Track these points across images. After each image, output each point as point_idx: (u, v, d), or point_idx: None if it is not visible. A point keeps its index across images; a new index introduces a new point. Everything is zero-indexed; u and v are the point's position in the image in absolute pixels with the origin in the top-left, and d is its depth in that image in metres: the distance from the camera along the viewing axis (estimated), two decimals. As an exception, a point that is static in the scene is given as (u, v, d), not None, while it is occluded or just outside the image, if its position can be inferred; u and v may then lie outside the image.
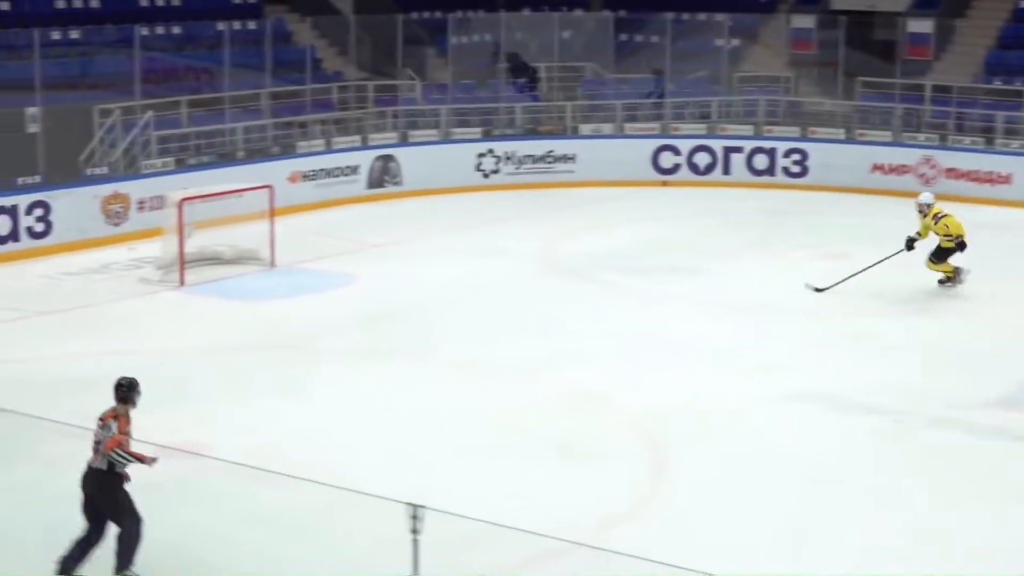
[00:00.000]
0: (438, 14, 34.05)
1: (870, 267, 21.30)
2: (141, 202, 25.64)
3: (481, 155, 30.93)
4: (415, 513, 8.73)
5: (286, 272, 22.89)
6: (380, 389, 16.72)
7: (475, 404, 16.07)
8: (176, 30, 31.01)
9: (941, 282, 21.52)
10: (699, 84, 33.73)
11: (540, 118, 32.42)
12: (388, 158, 30.16)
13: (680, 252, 24.03)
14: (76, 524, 11.64)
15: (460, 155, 30.81)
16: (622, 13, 34.96)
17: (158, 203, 25.00)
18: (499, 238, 25.55)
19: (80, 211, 24.78)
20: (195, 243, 22.66)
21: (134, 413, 11.65)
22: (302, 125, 30.21)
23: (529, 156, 31.18)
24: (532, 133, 31.84)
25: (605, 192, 30.08)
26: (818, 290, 21.09)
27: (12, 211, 23.79)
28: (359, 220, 27.57)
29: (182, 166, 27.18)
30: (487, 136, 31.47)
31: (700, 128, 32.02)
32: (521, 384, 16.92)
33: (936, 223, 21.36)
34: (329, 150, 29.68)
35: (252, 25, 32.04)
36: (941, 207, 21.60)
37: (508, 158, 31.05)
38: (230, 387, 16.66)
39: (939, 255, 21.41)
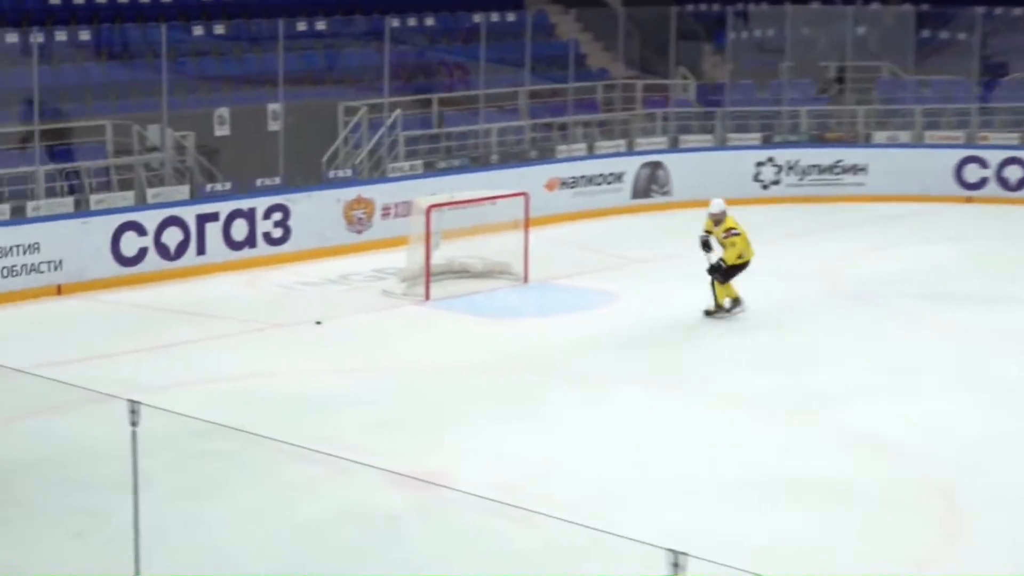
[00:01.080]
0: (716, 7, 34.03)
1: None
2: (386, 208, 26.24)
3: (760, 164, 30.78)
4: (676, 560, 8.71)
5: (540, 288, 23.13)
6: (638, 420, 16.75)
7: (743, 440, 15.98)
8: (429, 22, 31.67)
9: (709, 312, 20.97)
10: (1013, 88, 32.91)
11: (828, 124, 32.08)
12: (656, 165, 30.23)
13: (984, 278, 23.50)
14: (320, 553, 11.99)
15: (736, 163, 30.71)
16: (925, 7, 34.39)
17: (404, 210, 25.56)
18: (778, 257, 25.31)
19: (321, 216, 25.48)
20: (442, 254, 23.06)
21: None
22: (562, 127, 30.48)
23: (814, 166, 30.89)
24: (818, 140, 31.53)
25: (900, 208, 29.61)
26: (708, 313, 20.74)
27: (250, 215, 24.58)
28: (622, 233, 27.69)
29: (431, 170, 27.70)
30: (767, 143, 31.27)
31: (1012, 138, 31.26)
32: (795, 420, 16.77)
33: (726, 238, 20.93)
34: (591, 155, 29.88)
35: (511, 17, 32.51)
36: (736, 221, 21.13)
37: (790, 168, 30.82)
38: (476, 412, 16.90)
39: (727, 274, 20.92)
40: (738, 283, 21.23)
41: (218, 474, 14.32)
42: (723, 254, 21.05)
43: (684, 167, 30.37)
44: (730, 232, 21.06)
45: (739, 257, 21.01)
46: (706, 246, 21.22)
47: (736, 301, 21.18)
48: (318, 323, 20.57)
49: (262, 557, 12.45)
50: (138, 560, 11.03)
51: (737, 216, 28.89)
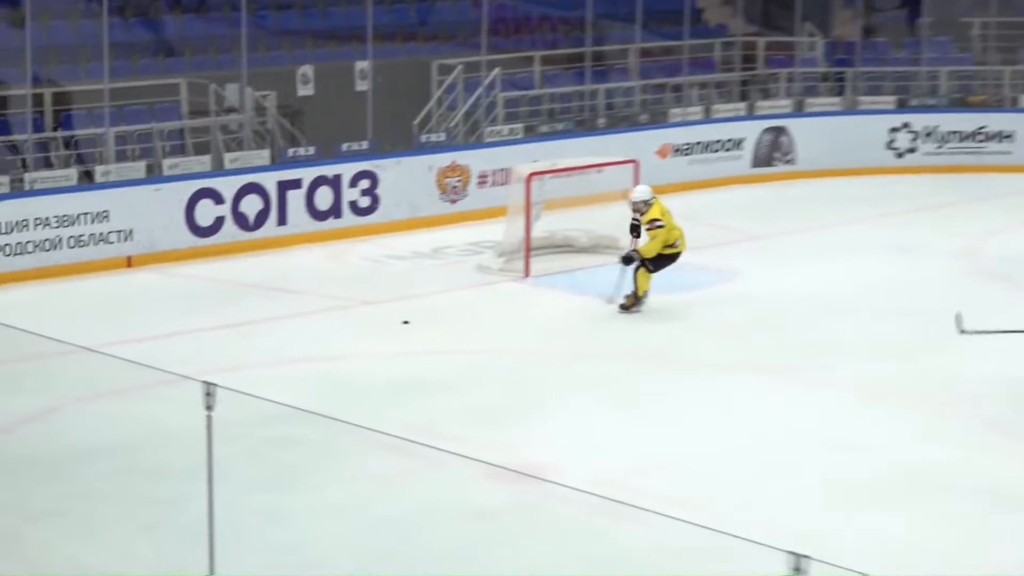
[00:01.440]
0: (847, -44, 33.71)
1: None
2: (483, 176, 26.28)
3: (894, 130, 30.54)
4: (798, 564, 8.68)
5: (650, 265, 23.06)
6: (755, 412, 16.65)
7: (874, 436, 15.84)
8: (531, -27, 31.63)
9: (625, 307, 20.34)
10: None
11: (971, 86, 31.75)
12: (779, 131, 30.07)
13: None
14: (408, 552, 12.04)
15: (868, 129, 30.50)
16: (1082, -45, 33.97)
17: (502, 178, 25.60)
18: (914, 232, 25.18)
19: (412, 184, 25.55)
20: (544, 226, 23.05)
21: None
22: (676, 88, 30.37)
23: (955, 133, 30.61)
24: (960, 104, 31.22)
25: (1050, 180, 29.34)
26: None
27: (335, 182, 24.68)
28: (741, 204, 27.58)
29: (532, 134, 27.69)
30: (903, 107, 31.02)
31: None
32: (936, 415, 16.60)
33: (649, 229, 20.34)
34: (708, 119, 29.79)
35: (621, -32, 32.41)
36: (665, 211, 20.52)
37: (928, 134, 30.56)
38: (577, 399, 16.88)
39: (657, 263, 20.40)
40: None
41: (299, 464, 14.40)
42: (642, 244, 20.45)
43: (810, 133, 30.19)
44: (653, 224, 20.55)
45: (672, 247, 20.61)
46: (635, 230, 20.80)
47: (645, 294, 20.78)
48: (405, 323, 20.05)
49: (346, 555, 12.51)
50: (212, 556, 11.11)
51: (867, 186, 28.82)
